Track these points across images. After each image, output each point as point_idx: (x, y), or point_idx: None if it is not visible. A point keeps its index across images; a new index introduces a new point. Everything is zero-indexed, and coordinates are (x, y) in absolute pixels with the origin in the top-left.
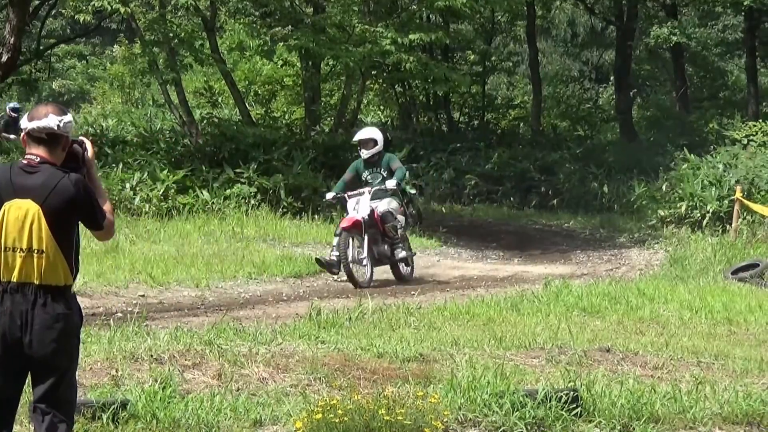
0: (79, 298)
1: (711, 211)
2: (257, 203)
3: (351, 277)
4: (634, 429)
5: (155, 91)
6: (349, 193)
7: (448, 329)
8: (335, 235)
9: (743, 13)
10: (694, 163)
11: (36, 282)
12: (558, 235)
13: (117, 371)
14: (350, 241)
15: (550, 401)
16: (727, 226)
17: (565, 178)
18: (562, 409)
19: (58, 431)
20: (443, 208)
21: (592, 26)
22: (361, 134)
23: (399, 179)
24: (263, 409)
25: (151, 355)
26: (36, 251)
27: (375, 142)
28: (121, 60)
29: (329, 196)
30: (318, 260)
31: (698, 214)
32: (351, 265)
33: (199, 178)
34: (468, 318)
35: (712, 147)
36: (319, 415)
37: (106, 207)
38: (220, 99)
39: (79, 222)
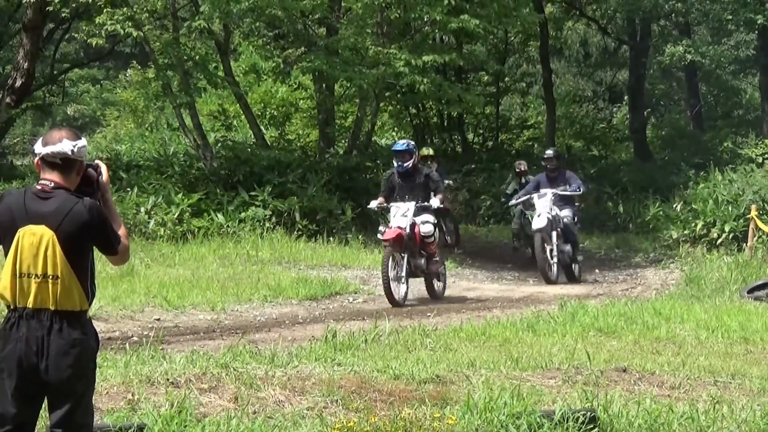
0: (94, 323)
1: (726, 230)
2: (272, 226)
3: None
4: None
5: (169, 114)
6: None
7: (464, 350)
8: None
9: (756, 32)
10: (709, 182)
11: (52, 308)
12: None
13: (133, 395)
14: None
15: (567, 422)
16: (743, 245)
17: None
18: (579, 430)
19: None
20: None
21: (605, 46)
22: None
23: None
24: None
25: (168, 379)
26: (51, 277)
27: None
28: (135, 84)
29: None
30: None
31: (714, 233)
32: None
33: (214, 201)
34: (484, 339)
35: (727, 166)
36: None
37: (121, 231)
38: (234, 122)
39: (94, 247)
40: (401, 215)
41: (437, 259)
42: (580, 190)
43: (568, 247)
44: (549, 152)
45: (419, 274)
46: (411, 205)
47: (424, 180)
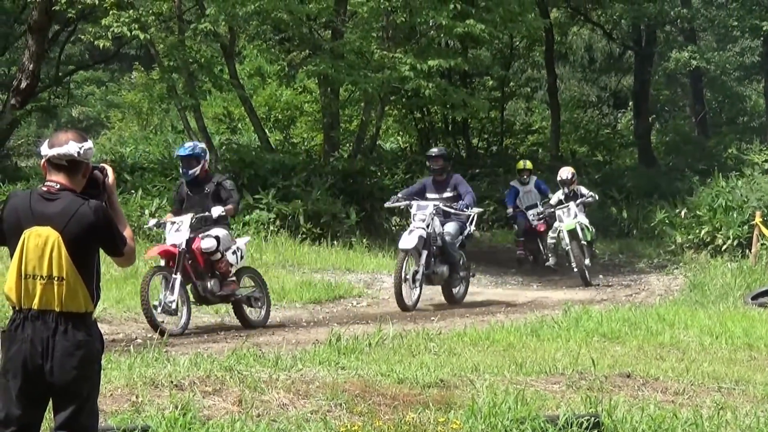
0: (99, 324)
1: (731, 236)
2: (276, 229)
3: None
4: None
5: (174, 117)
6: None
7: (468, 355)
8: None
9: (762, 38)
10: (713, 189)
11: (57, 309)
12: None
13: (137, 397)
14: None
15: (571, 427)
16: (747, 252)
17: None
18: None
19: None
20: None
21: (609, 51)
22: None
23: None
24: None
25: (172, 381)
26: (56, 278)
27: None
28: (139, 86)
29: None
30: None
31: (719, 240)
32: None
33: None
34: (488, 344)
35: (732, 172)
36: None
37: (127, 233)
38: (239, 125)
39: (100, 248)
40: (176, 230)
41: (233, 279)
42: (469, 209)
43: (443, 269)
44: (434, 151)
45: (212, 299)
46: (187, 218)
47: (215, 189)
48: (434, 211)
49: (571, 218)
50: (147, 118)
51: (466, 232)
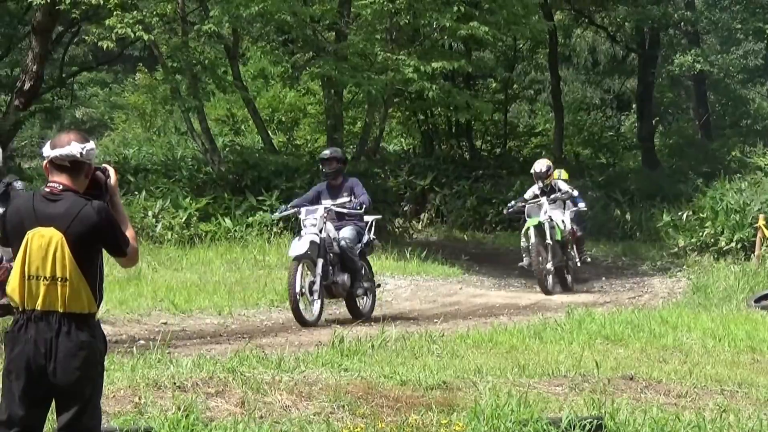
0: (102, 326)
1: (734, 239)
2: (279, 231)
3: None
4: None
5: (177, 118)
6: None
7: (471, 357)
8: None
9: (765, 41)
10: (717, 191)
11: (60, 310)
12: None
13: (140, 399)
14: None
15: (573, 429)
16: (750, 254)
17: (588, 205)
18: None
19: None
20: (465, 236)
21: (613, 54)
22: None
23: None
24: None
25: (174, 383)
26: (60, 279)
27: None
28: (143, 88)
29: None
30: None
31: (722, 242)
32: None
33: (222, 205)
34: (491, 346)
35: (735, 175)
36: None
37: (129, 234)
38: (242, 126)
39: (103, 249)
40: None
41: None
42: (361, 208)
43: (344, 278)
44: (326, 152)
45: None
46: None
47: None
48: (325, 215)
49: (541, 214)
50: (150, 119)
51: (365, 239)
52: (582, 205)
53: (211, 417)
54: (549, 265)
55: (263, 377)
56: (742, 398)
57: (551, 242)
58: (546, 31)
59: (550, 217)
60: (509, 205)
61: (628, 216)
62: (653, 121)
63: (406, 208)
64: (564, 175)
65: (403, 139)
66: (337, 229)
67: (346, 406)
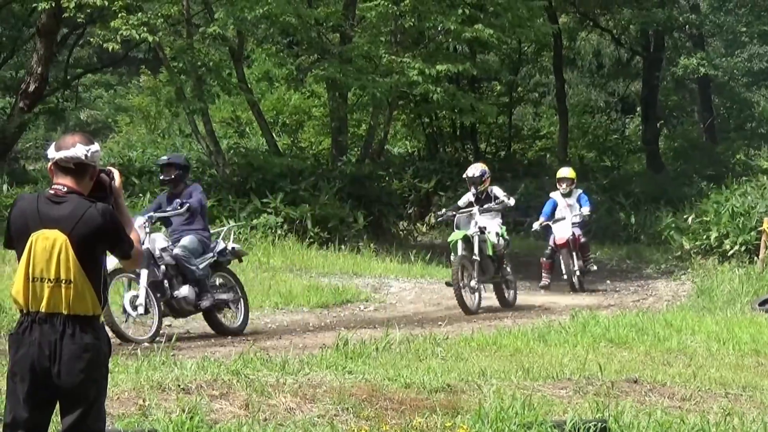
0: (105, 328)
1: (739, 242)
2: (284, 233)
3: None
4: None
5: (182, 121)
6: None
7: (475, 360)
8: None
9: None
10: (722, 194)
11: (64, 312)
12: None
13: (144, 401)
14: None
15: None
16: (755, 258)
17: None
18: None
19: None
20: None
21: (618, 57)
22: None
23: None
24: None
25: (179, 385)
26: (64, 281)
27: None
28: (147, 90)
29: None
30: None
31: (727, 245)
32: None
33: (226, 208)
34: (495, 349)
35: (740, 178)
36: None
37: (133, 236)
38: (247, 129)
39: (107, 251)
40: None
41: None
42: (188, 211)
43: (185, 290)
44: (163, 158)
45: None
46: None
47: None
48: (145, 223)
49: (471, 225)
50: (155, 121)
51: (218, 248)
52: (586, 210)
53: (215, 419)
54: (473, 282)
55: (267, 380)
56: (746, 401)
57: (478, 258)
58: (551, 34)
59: (480, 229)
60: (439, 213)
61: (632, 219)
62: (658, 124)
63: (410, 211)
64: (572, 174)
65: (407, 142)
66: (178, 239)
67: (350, 408)
